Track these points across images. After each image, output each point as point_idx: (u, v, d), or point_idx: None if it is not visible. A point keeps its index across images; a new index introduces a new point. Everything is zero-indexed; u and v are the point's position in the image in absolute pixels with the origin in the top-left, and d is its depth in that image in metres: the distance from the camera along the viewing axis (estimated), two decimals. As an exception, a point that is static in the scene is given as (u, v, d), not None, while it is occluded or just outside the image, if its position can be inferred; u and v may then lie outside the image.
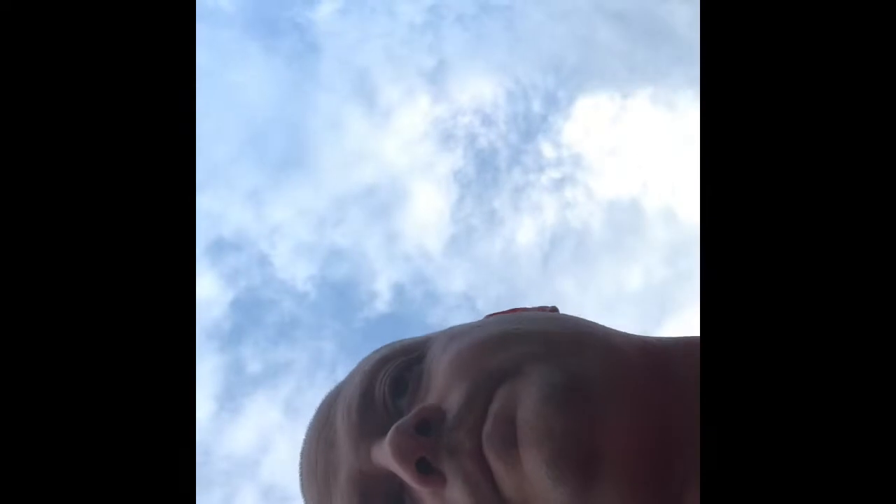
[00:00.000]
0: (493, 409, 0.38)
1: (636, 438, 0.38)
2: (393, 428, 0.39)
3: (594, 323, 0.46)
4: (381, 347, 0.48)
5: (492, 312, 0.54)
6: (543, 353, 0.40)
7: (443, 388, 0.41)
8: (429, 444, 0.39)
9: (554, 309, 0.53)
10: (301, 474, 0.48)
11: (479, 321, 0.49)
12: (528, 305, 0.55)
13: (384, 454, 0.40)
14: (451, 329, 0.47)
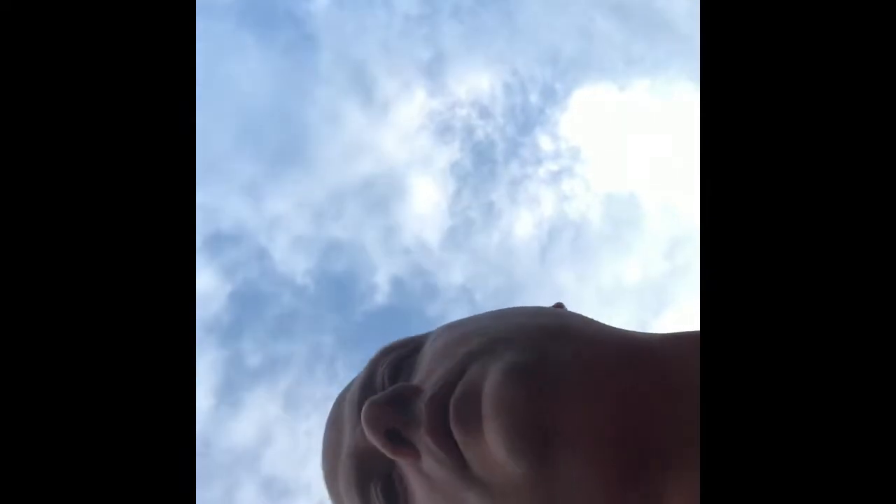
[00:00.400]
0: (461, 382, 0.40)
1: (597, 422, 0.38)
2: (367, 401, 0.42)
3: (589, 319, 0.46)
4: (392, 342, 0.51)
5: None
6: (519, 338, 0.42)
7: (426, 371, 0.44)
8: (401, 418, 0.41)
9: (560, 305, 0.54)
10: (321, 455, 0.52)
11: (476, 314, 0.50)
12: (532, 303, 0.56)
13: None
14: (450, 322, 0.49)
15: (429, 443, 0.40)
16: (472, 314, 0.50)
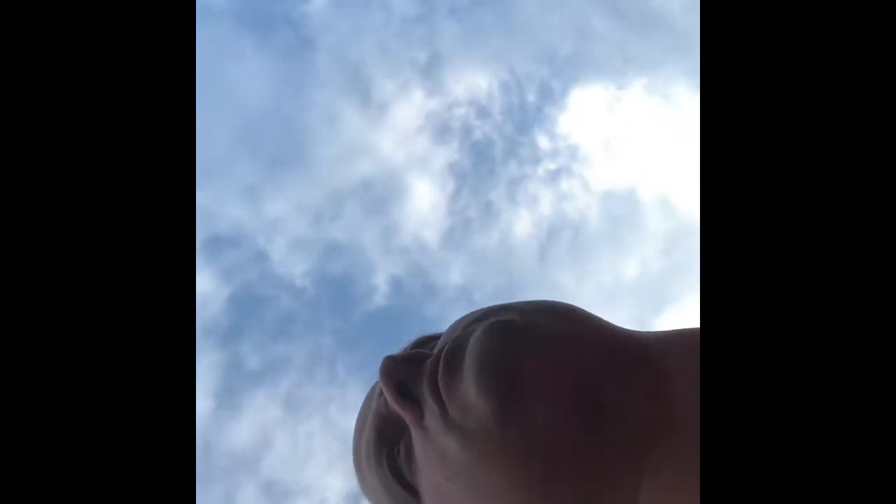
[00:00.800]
0: (454, 338, 0.45)
1: (563, 378, 0.41)
2: (384, 357, 0.46)
3: (592, 314, 0.47)
4: None
5: None
6: (517, 307, 0.46)
7: (440, 342, 0.48)
8: (410, 373, 0.45)
9: None
10: None
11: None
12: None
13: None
14: None
15: (426, 394, 0.43)
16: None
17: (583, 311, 0.48)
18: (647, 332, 0.47)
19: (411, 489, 0.46)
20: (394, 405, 0.45)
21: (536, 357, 0.42)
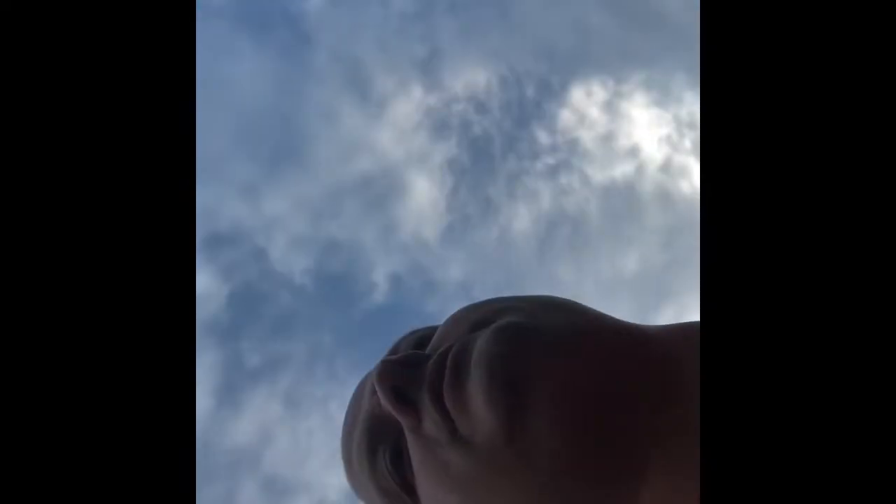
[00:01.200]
0: (457, 343, 0.43)
1: (571, 383, 0.39)
2: (380, 361, 0.44)
3: (591, 308, 0.47)
4: None
5: None
6: (519, 306, 0.45)
7: (438, 342, 0.47)
8: (409, 376, 0.43)
9: None
10: None
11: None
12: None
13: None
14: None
15: (426, 401, 0.42)
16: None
17: (581, 304, 0.47)
18: (648, 326, 0.46)
19: (409, 489, 0.45)
20: (391, 410, 0.44)
21: (546, 364, 0.40)
